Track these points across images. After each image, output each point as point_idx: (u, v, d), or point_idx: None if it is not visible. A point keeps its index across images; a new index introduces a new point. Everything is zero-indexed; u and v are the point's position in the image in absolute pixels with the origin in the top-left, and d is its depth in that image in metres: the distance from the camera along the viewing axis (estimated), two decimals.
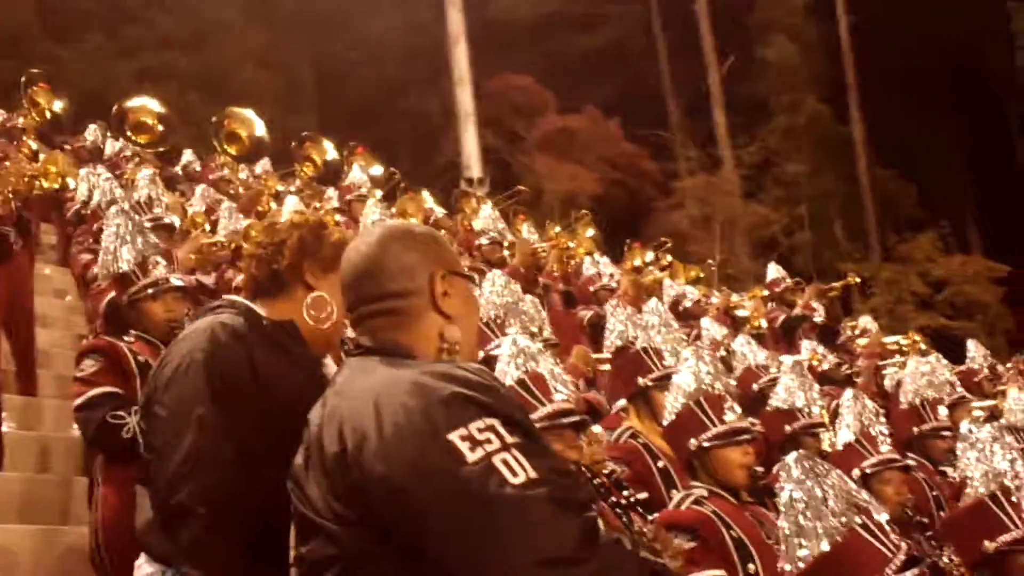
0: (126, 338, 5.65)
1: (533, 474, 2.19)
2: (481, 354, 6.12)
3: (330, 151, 13.68)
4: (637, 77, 38.73)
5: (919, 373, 8.19)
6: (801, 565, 3.74)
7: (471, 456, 2.19)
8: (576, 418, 4.73)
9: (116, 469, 5.15)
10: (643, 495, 5.56)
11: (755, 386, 8.34)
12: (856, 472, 5.46)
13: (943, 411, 7.76)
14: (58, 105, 13.45)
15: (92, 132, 15.92)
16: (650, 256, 15.81)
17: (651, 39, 40.93)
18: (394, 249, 2.67)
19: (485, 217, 12.60)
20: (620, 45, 39.54)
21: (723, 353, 9.44)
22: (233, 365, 3.18)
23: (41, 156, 10.97)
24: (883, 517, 3.80)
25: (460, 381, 2.32)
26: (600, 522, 2.37)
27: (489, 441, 2.22)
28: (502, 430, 2.24)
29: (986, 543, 4.53)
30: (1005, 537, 4.55)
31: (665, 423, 5.16)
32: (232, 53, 33.93)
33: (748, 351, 9.06)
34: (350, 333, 3.08)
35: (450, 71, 26.97)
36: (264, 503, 2.96)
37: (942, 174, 37.83)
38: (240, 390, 3.16)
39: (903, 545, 3.67)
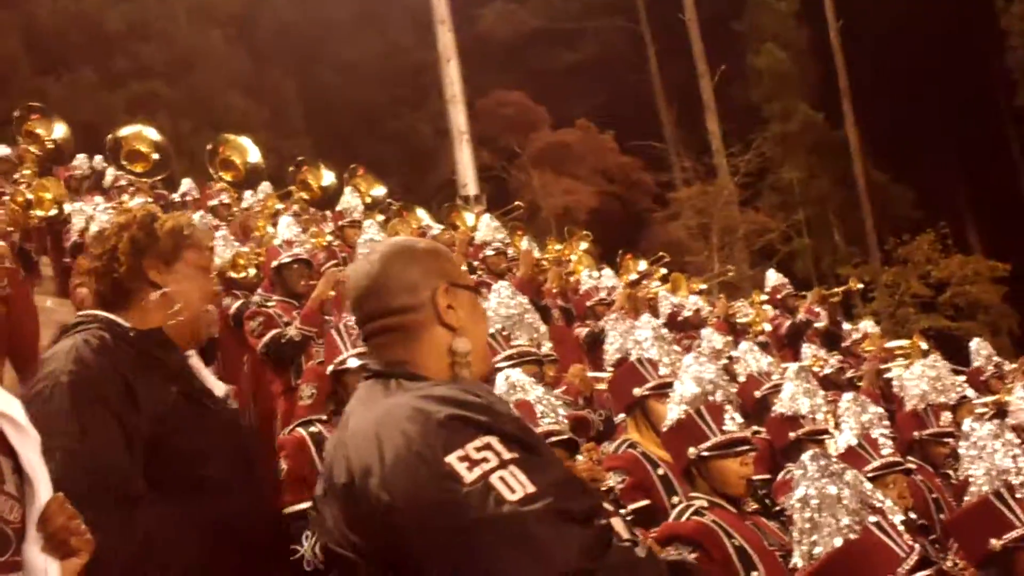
0: None
1: (532, 488, 2.18)
2: (503, 367, 6.09)
3: (327, 176, 13.63)
4: (628, 88, 38.84)
5: (924, 377, 8.18)
6: (813, 561, 3.74)
7: (468, 476, 2.18)
8: (563, 437, 4.73)
9: None
10: (644, 502, 5.59)
11: (757, 393, 8.33)
12: None
13: (946, 416, 7.75)
14: (60, 131, 13.33)
15: (82, 161, 15.97)
16: (643, 266, 15.82)
17: (640, 50, 41.06)
18: (396, 266, 2.66)
19: (486, 228, 12.60)
20: (608, 58, 39.64)
21: (725, 361, 9.46)
22: (102, 383, 2.88)
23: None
24: (898, 518, 3.80)
25: (457, 403, 2.32)
26: (617, 527, 2.36)
27: (486, 460, 2.21)
28: (499, 447, 2.24)
29: (992, 541, 4.52)
30: (1011, 535, 4.54)
31: (664, 429, 5.13)
32: (217, 81, 34.01)
33: (751, 358, 9.05)
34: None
35: (442, 90, 26.95)
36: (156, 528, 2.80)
37: (938, 174, 37.85)
38: (113, 409, 2.85)
39: (916, 546, 3.67)
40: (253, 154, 13.21)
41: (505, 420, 2.35)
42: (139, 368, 2.96)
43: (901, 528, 3.77)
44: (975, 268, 32.62)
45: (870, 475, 5.52)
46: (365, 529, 2.32)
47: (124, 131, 12.89)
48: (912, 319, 30.57)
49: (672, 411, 5.05)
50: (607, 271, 13.86)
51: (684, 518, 4.65)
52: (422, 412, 2.31)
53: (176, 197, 15.45)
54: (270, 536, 2.96)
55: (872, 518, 3.71)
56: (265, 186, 15.08)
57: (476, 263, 11.83)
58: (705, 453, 4.76)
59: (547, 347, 7.71)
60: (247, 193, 14.67)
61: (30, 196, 10.10)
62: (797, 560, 3.82)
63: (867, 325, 14.38)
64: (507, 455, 2.23)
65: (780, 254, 33.88)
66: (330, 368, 5.62)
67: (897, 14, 35.29)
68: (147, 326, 3.12)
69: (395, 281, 2.63)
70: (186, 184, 16.12)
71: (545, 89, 37.70)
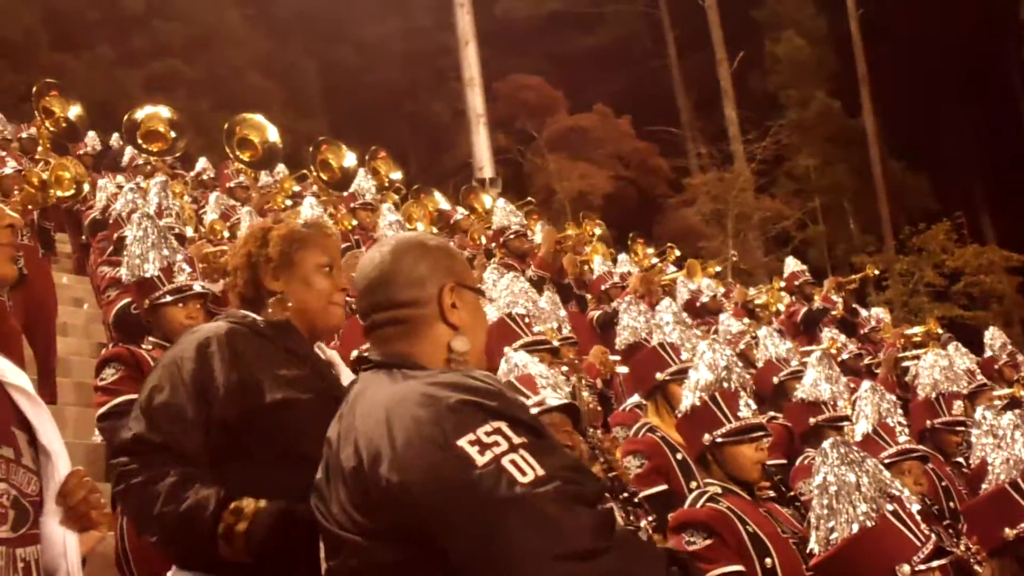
0: (145, 345, 5.63)
1: (541, 472, 2.23)
2: (508, 350, 6.08)
3: (349, 156, 13.64)
4: (646, 74, 38.74)
5: (936, 365, 8.16)
6: (829, 546, 3.77)
7: (480, 460, 2.23)
8: (563, 401, 4.69)
9: None
10: (662, 487, 5.62)
11: (775, 379, 8.33)
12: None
13: (958, 405, 7.74)
14: (74, 112, 13.41)
15: (92, 138, 16.01)
16: (651, 251, 15.88)
17: (659, 36, 40.98)
18: (406, 260, 2.72)
19: (501, 211, 12.59)
20: (627, 42, 39.59)
21: (743, 347, 9.48)
22: (184, 370, 3.25)
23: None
24: (914, 507, 3.82)
25: (466, 388, 2.37)
26: (616, 514, 2.40)
27: (497, 444, 2.26)
28: (509, 432, 2.29)
29: (1007, 530, 4.52)
30: None
31: (679, 416, 5.16)
32: (235, 60, 34.03)
33: (770, 343, 9.04)
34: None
35: (460, 73, 26.94)
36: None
37: (954, 164, 37.76)
38: (191, 392, 3.22)
39: (932, 536, 3.69)
40: (271, 133, 13.22)
41: (513, 406, 2.40)
42: (262, 353, 3.30)
43: (918, 517, 3.79)
44: (989, 258, 32.52)
45: (887, 461, 5.53)
46: (375, 511, 2.36)
47: (139, 113, 12.94)
48: (925, 308, 30.50)
49: (686, 398, 5.07)
50: (622, 256, 13.89)
51: (699, 504, 4.68)
52: (432, 397, 2.35)
53: (190, 176, 15.51)
54: None
55: (889, 507, 3.74)
56: (280, 168, 15.13)
57: (495, 247, 11.84)
58: (720, 439, 4.79)
59: (567, 330, 7.74)
60: (263, 174, 14.74)
61: (45, 177, 10.12)
62: (814, 545, 3.85)
63: (876, 312, 14.38)
64: (516, 439, 2.27)
65: (794, 242, 33.79)
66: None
67: (917, 3, 35.12)
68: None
69: (404, 275, 2.69)
70: (201, 163, 16.19)
71: (563, 73, 37.69)
